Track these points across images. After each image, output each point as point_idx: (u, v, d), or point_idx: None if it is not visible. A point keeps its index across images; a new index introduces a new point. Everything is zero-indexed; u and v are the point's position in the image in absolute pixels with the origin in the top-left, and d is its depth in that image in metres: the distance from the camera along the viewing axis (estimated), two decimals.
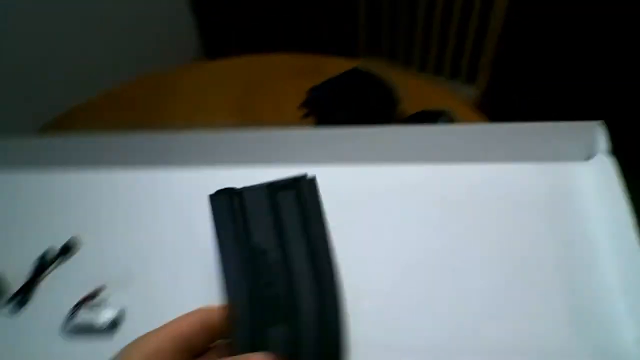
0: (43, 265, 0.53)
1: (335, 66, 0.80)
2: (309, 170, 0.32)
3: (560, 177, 0.56)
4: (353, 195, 0.58)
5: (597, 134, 0.55)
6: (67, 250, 0.55)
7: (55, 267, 0.54)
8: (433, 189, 0.58)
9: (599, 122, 0.55)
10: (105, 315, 0.47)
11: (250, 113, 0.83)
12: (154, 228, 0.57)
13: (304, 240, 0.29)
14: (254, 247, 0.29)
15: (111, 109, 0.96)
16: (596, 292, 0.46)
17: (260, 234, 0.30)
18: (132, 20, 1.39)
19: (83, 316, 0.48)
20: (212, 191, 0.31)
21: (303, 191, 0.30)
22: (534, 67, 1.54)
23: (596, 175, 0.55)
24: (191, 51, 1.54)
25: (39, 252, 0.54)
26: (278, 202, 0.30)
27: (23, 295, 0.50)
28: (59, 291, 0.52)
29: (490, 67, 1.18)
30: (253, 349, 0.27)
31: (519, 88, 1.53)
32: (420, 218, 0.55)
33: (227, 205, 0.31)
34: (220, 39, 1.56)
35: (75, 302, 0.49)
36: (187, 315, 0.29)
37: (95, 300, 0.49)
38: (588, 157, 0.57)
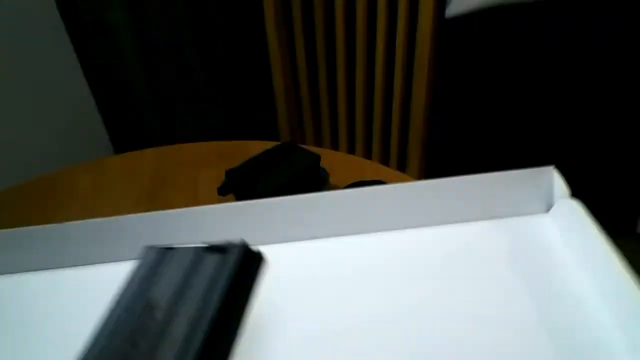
0: None
1: (258, 148, 0.73)
2: None
3: (523, 231, 0.49)
4: (298, 273, 0.48)
5: (553, 179, 0.49)
6: None
7: None
8: (383, 261, 0.48)
9: (552, 166, 0.50)
10: None
11: (161, 202, 0.72)
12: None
13: (197, 308, 0.25)
14: (147, 300, 0.26)
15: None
16: (595, 349, 0.36)
17: (161, 289, 0.26)
18: (35, 119, 1.27)
19: None
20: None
21: (230, 259, 0.27)
22: (467, 150, 1.55)
23: (563, 221, 0.48)
24: (101, 151, 1.44)
25: None
26: (198, 263, 0.27)
27: None
28: None
29: (420, 154, 1.15)
30: None
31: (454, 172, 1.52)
32: (379, 292, 0.45)
33: (153, 259, 0.29)
34: (129, 137, 1.47)
35: None
36: None
37: None
38: (547, 204, 0.50)
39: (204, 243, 0.28)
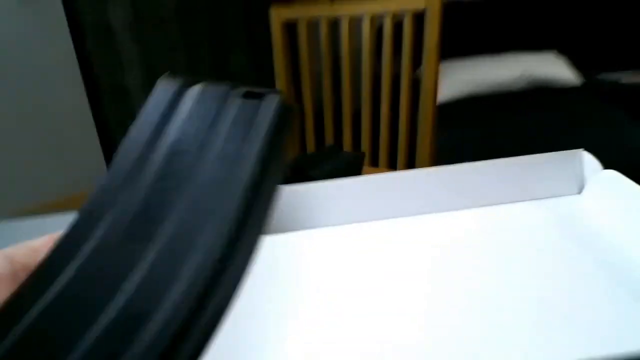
0: None
1: None
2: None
3: (563, 207, 0.53)
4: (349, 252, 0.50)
5: (584, 159, 0.54)
6: None
7: None
8: (427, 239, 0.51)
9: (581, 149, 0.55)
10: None
11: None
12: None
13: (228, 159, 0.21)
14: (174, 141, 0.21)
15: None
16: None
17: (189, 128, 0.21)
18: (42, 148, 1.29)
19: None
20: None
21: (267, 107, 0.22)
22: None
23: (603, 190, 0.52)
24: None
25: None
26: (229, 107, 0.22)
27: None
28: None
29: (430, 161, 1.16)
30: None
31: None
32: (429, 272, 0.47)
33: (175, 90, 0.23)
34: None
35: None
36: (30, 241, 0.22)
37: None
38: (580, 184, 0.55)
39: (236, 85, 0.23)
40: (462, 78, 1.91)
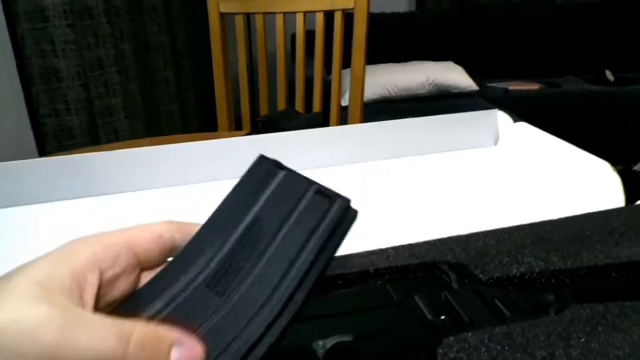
0: None
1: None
2: None
3: (486, 157, 0.66)
4: None
5: (499, 115, 0.68)
6: None
7: None
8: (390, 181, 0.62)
9: (496, 108, 0.69)
10: None
11: None
12: None
13: (295, 249, 0.25)
14: (254, 216, 0.26)
15: None
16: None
17: (268, 210, 0.26)
18: None
19: None
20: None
21: (333, 210, 0.25)
22: None
23: (515, 139, 0.66)
24: None
25: None
26: (305, 200, 0.26)
27: None
28: None
29: None
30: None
31: None
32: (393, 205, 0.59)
33: (265, 173, 0.27)
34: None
35: None
36: (150, 225, 0.26)
37: None
38: (495, 137, 0.68)
39: (312, 182, 0.26)
40: (374, 82, 2.08)
